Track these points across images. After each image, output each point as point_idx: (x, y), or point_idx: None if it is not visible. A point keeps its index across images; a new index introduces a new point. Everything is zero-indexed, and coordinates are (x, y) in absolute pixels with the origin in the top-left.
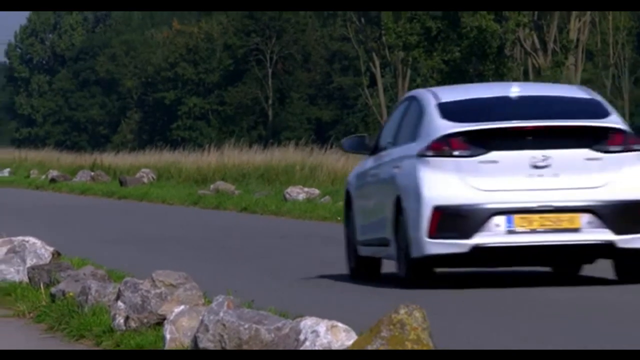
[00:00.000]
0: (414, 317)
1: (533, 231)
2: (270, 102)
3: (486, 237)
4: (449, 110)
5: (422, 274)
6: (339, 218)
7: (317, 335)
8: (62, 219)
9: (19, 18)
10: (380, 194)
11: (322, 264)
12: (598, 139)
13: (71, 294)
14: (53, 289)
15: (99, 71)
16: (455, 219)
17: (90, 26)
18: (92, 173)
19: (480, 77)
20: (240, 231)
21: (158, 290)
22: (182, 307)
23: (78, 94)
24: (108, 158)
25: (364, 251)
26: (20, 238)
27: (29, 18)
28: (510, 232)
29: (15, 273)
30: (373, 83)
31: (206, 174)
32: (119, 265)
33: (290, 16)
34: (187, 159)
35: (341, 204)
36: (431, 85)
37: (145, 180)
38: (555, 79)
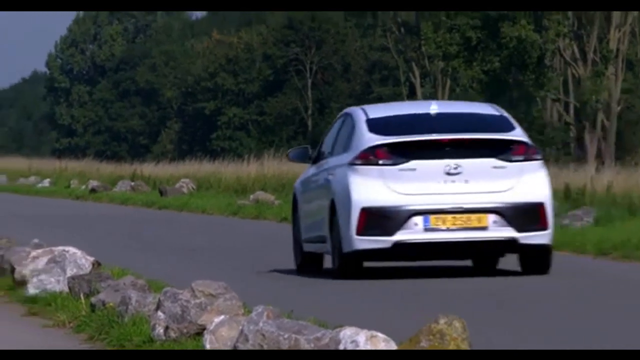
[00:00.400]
0: (453, 327)
1: (447, 229)
2: (309, 112)
3: (406, 235)
4: (376, 125)
5: (352, 267)
6: None
7: (357, 345)
8: (103, 229)
9: (59, 29)
10: (319, 197)
11: (362, 275)
12: (503, 150)
13: (111, 304)
14: (93, 299)
15: (139, 81)
16: (380, 219)
17: (131, 36)
18: (132, 183)
19: (520, 87)
20: (279, 241)
21: (198, 300)
22: (221, 317)
23: (118, 104)
24: (148, 168)
25: (307, 248)
26: (61, 248)
27: (70, 28)
28: (427, 230)
29: (56, 283)
30: (412, 93)
31: (246, 184)
32: (159, 276)
33: (330, 27)
34: (227, 169)
35: None
36: (472, 96)
37: (185, 190)
38: (595, 89)
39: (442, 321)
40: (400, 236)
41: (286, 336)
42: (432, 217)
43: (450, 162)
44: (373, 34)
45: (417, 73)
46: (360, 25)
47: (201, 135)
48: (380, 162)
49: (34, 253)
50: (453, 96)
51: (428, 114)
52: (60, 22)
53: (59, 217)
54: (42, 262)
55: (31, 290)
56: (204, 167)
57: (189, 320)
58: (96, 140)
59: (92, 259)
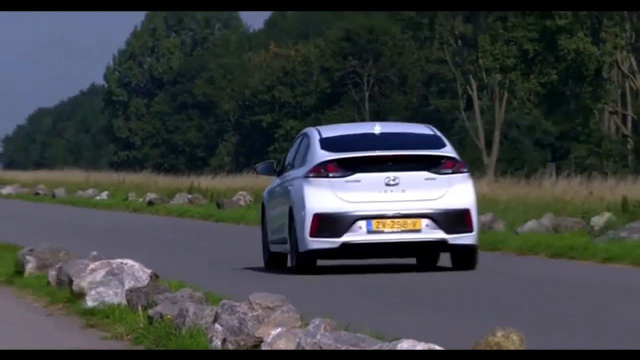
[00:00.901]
0: (511, 340)
1: (386, 232)
2: None
3: (352, 236)
4: (327, 143)
5: (307, 265)
6: None
7: None
8: (160, 242)
9: (117, 42)
10: (280, 205)
11: (419, 286)
12: (435, 164)
13: (169, 316)
14: (151, 311)
15: (197, 94)
16: (329, 223)
17: (188, 49)
18: (190, 196)
19: (577, 100)
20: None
21: (255, 313)
22: (279, 329)
23: (176, 117)
24: (205, 181)
25: (273, 248)
26: (119, 260)
27: (128, 42)
28: (370, 232)
29: (114, 295)
30: (470, 106)
31: None
32: (217, 288)
33: (387, 39)
34: None
35: None
36: (528, 108)
37: (242, 203)
38: None
39: (499, 334)
40: (347, 238)
41: (343, 349)
42: (374, 221)
43: (390, 175)
44: (430, 46)
45: (474, 85)
46: (418, 38)
47: (258, 148)
48: (330, 174)
49: (92, 265)
50: (510, 109)
51: (373, 134)
52: (119, 35)
53: (117, 230)
54: (100, 275)
55: (89, 302)
56: (261, 180)
57: (246, 332)
58: (154, 153)
59: (149, 271)
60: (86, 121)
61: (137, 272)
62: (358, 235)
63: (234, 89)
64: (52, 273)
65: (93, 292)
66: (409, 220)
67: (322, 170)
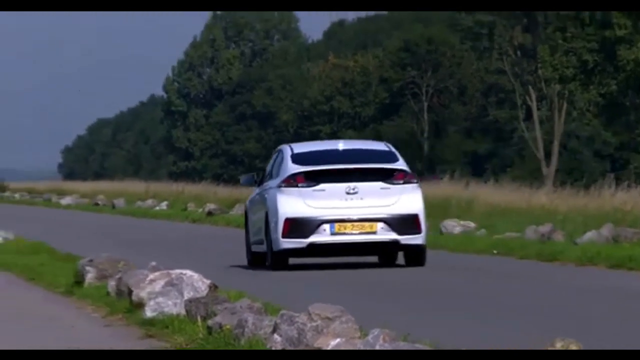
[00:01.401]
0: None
1: (347, 233)
2: (425, 135)
3: (317, 237)
4: (298, 158)
5: (280, 262)
6: (495, 251)
7: None
8: (219, 252)
9: (176, 52)
10: (259, 211)
11: (478, 298)
12: (389, 176)
13: (228, 326)
14: (210, 322)
15: (256, 105)
16: (298, 226)
17: (247, 60)
18: None
19: (637, 110)
20: (395, 264)
21: (314, 324)
22: (338, 340)
23: (235, 127)
24: None
25: (254, 248)
26: (178, 271)
27: (187, 52)
28: (333, 234)
29: (173, 306)
30: (529, 116)
31: None
32: (276, 298)
33: (446, 49)
34: None
35: (498, 236)
36: (587, 119)
37: None
38: None
39: (558, 344)
40: (314, 239)
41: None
42: (336, 224)
43: (350, 185)
44: (489, 56)
45: (533, 96)
46: (477, 48)
47: None
48: (299, 185)
49: (151, 276)
50: (569, 119)
51: (337, 150)
52: (178, 45)
53: (176, 240)
54: (159, 285)
55: (149, 312)
56: None
57: (305, 343)
58: (213, 164)
59: (208, 281)
60: (145, 132)
61: (196, 282)
62: (323, 236)
63: (292, 100)
64: (111, 283)
65: (152, 303)
66: (367, 224)
67: (293, 181)
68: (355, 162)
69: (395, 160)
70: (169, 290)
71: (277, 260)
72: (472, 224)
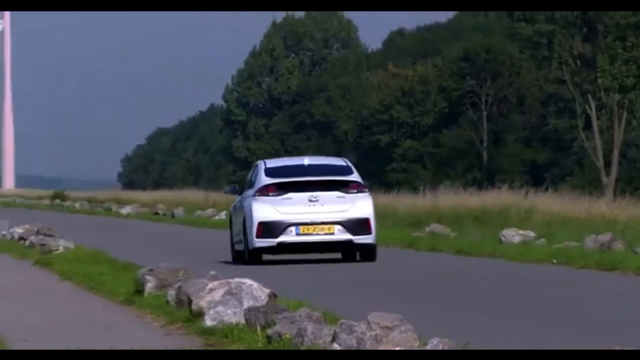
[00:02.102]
0: None
1: (310, 234)
2: (484, 144)
3: (285, 237)
4: (270, 172)
5: (255, 258)
6: (554, 261)
7: None
8: (278, 262)
9: (236, 62)
10: (239, 216)
11: (533, 309)
12: (344, 186)
13: (287, 335)
14: (269, 331)
15: (315, 114)
16: (269, 228)
17: (307, 69)
18: None
19: None
20: (455, 273)
21: (373, 333)
22: (397, 349)
23: (294, 136)
24: None
25: (236, 247)
26: (237, 280)
27: (247, 61)
28: (298, 234)
29: (232, 315)
30: (588, 125)
31: (421, 216)
32: (335, 308)
33: (505, 58)
34: (402, 202)
35: (557, 246)
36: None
37: None
38: None
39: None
40: (282, 238)
41: None
42: (301, 227)
43: (312, 194)
44: (548, 65)
45: (592, 105)
46: (536, 57)
47: (376, 168)
48: (270, 194)
49: (211, 285)
50: (629, 128)
51: (302, 165)
52: (238, 55)
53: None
54: (219, 294)
55: (208, 322)
56: (379, 199)
57: None
58: None
59: (268, 290)
60: (205, 141)
61: (255, 291)
62: (289, 237)
63: (352, 109)
64: (171, 292)
65: (212, 312)
66: (326, 226)
67: (265, 191)
68: (317, 175)
69: (351, 173)
70: (229, 299)
71: (253, 257)
72: (531, 233)
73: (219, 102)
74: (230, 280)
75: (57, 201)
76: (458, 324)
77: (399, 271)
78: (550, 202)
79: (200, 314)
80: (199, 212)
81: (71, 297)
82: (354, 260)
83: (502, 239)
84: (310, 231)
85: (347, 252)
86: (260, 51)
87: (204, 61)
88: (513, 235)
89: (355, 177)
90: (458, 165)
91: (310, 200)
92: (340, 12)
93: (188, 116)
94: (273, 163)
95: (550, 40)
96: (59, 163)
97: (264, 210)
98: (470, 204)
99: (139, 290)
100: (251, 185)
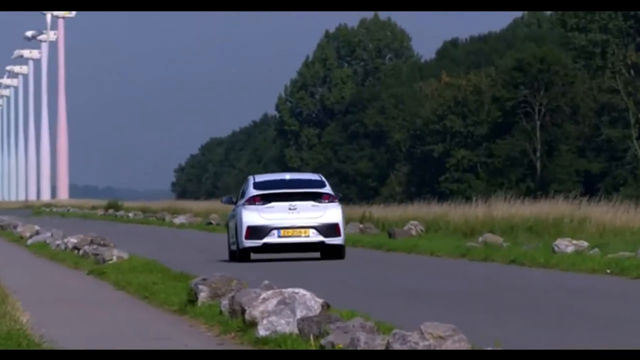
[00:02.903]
0: None
1: (289, 237)
2: (538, 154)
3: (269, 239)
4: (257, 185)
5: (244, 256)
6: (608, 271)
7: None
8: (331, 272)
9: (289, 71)
10: (233, 221)
11: (589, 319)
12: (318, 197)
13: (340, 345)
14: (322, 341)
15: (368, 124)
16: (256, 231)
17: (360, 79)
18: (361, 225)
19: None
20: (508, 283)
21: (426, 342)
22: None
23: (347, 146)
24: (377, 210)
25: (232, 247)
26: (290, 290)
27: (300, 72)
28: (280, 237)
29: (286, 325)
30: None
31: (474, 226)
32: (388, 317)
33: (559, 68)
34: (455, 212)
35: (611, 256)
36: None
37: (414, 232)
38: None
39: None
40: (266, 240)
41: None
42: (281, 230)
43: (292, 203)
44: (602, 75)
45: None
46: (589, 67)
47: (430, 178)
48: (257, 203)
49: (264, 295)
50: None
51: (284, 179)
52: (291, 65)
53: (287, 260)
54: (272, 304)
55: (261, 331)
56: (433, 209)
57: None
58: None
59: (321, 300)
60: (258, 151)
61: (308, 301)
62: (272, 238)
63: (405, 119)
64: (224, 302)
65: (265, 322)
66: (302, 230)
67: (252, 201)
68: (296, 188)
69: (324, 186)
70: (282, 309)
71: (242, 255)
72: (584, 243)
73: (272, 112)
74: (283, 290)
75: (111, 211)
76: (510, 335)
77: (452, 281)
78: (603, 212)
79: (253, 324)
80: None
81: (125, 307)
82: (331, 258)
83: (555, 249)
84: (289, 234)
85: (320, 251)
86: (313, 61)
87: (257, 71)
88: (566, 245)
89: (327, 189)
90: (511, 175)
91: (290, 209)
92: (393, 22)
93: (241, 126)
94: (260, 178)
95: (603, 49)
96: (113, 173)
97: (251, 216)
98: (523, 213)
99: (192, 300)
100: (242, 196)
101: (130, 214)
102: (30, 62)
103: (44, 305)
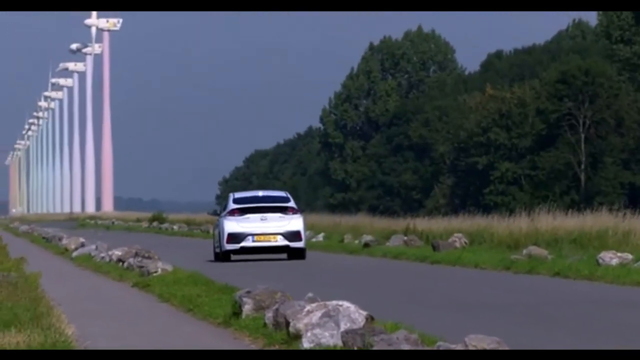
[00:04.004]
0: None
1: (261, 241)
2: (582, 166)
3: (245, 243)
4: (236, 200)
5: (226, 257)
6: None
7: None
8: (376, 284)
9: (334, 84)
10: (217, 230)
11: (635, 332)
12: (284, 210)
13: None
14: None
15: (412, 136)
16: (235, 237)
17: (404, 92)
18: (405, 237)
19: None
20: (553, 296)
21: None
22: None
23: (391, 159)
24: (421, 223)
25: (216, 250)
26: (335, 302)
27: (344, 84)
28: (254, 241)
29: (330, 337)
30: None
31: (518, 238)
32: (432, 330)
33: (603, 80)
34: (499, 224)
35: None
36: None
37: (458, 244)
38: None
39: None
40: (243, 244)
41: None
42: (255, 236)
43: (263, 215)
44: None
45: None
46: (634, 79)
47: (474, 190)
48: (235, 215)
49: (308, 307)
50: None
51: (258, 196)
52: (335, 77)
53: (333, 272)
54: (316, 316)
55: (306, 344)
56: (477, 222)
57: None
58: (369, 195)
59: (365, 313)
60: (302, 163)
61: (352, 313)
62: (248, 243)
63: (449, 131)
64: (268, 315)
65: (309, 334)
66: (272, 236)
67: (232, 213)
68: (266, 203)
69: (289, 201)
70: (326, 322)
71: (224, 256)
72: (629, 256)
73: (317, 124)
74: (327, 302)
75: (155, 223)
76: (558, 348)
77: (497, 294)
78: None
79: (297, 336)
80: None
81: (170, 319)
82: (295, 259)
83: (600, 261)
84: (261, 239)
85: (286, 253)
86: (357, 73)
87: (302, 83)
88: (611, 257)
89: (291, 204)
90: (556, 188)
91: (262, 219)
92: (437, 34)
93: (286, 138)
94: (239, 195)
95: None
96: (157, 186)
97: (231, 225)
98: (567, 226)
99: (237, 312)
100: (224, 209)
101: (175, 227)
102: (75, 75)
103: (88, 317)
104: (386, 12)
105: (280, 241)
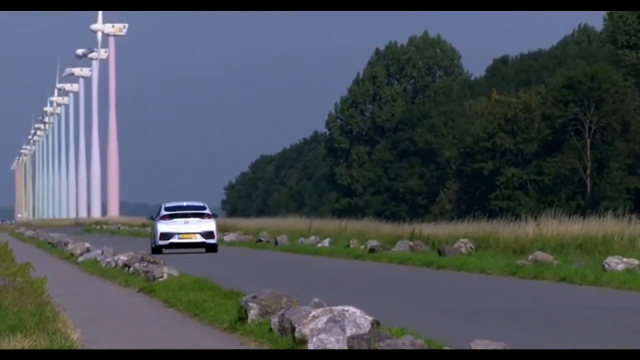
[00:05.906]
0: None
1: (185, 239)
2: (588, 172)
3: (173, 240)
4: (167, 209)
5: (159, 251)
6: None
7: None
8: (382, 289)
9: (340, 90)
10: (153, 230)
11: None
12: (202, 216)
13: None
14: None
15: (419, 142)
16: (165, 235)
17: (410, 97)
18: (411, 243)
19: None
20: (559, 302)
21: None
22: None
23: (397, 164)
24: (427, 228)
25: (153, 245)
26: (341, 308)
27: (350, 89)
28: (179, 239)
29: (336, 342)
30: None
31: (524, 244)
32: (438, 335)
33: (610, 86)
34: (505, 230)
35: None
36: None
37: (464, 250)
38: None
39: None
40: (171, 241)
41: None
42: (180, 235)
43: (186, 219)
44: None
45: None
46: None
47: (480, 196)
48: (166, 219)
49: (314, 313)
50: None
51: (182, 205)
52: (341, 83)
53: (339, 277)
54: (322, 322)
55: (312, 349)
56: (483, 227)
57: None
58: (375, 201)
59: (371, 318)
60: (308, 169)
61: (358, 319)
62: (175, 240)
63: (455, 137)
64: (274, 320)
65: (315, 339)
66: (192, 235)
67: (164, 218)
68: (189, 210)
69: (205, 209)
70: (332, 327)
71: (158, 250)
72: (635, 261)
73: (323, 129)
74: (333, 308)
75: None
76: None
77: (503, 299)
78: None
79: (303, 342)
80: (302, 239)
81: (176, 324)
82: (211, 252)
83: (606, 267)
84: (185, 237)
85: (204, 248)
86: (363, 79)
87: (308, 89)
88: (617, 263)
89: (207, 212)
90: (562, 193)
91: (185, 222)
92: (443, 39)
93: (292, 144)
94: (169, 204)
95: None
96: (163, 191)
97: (163, 227)
98: (573, 231)
99: (243, 318)
100: (158, 214)
101: None
102: (81, 80)
103: (94, 322)
104: (392, 18)
105: (199, 239)
